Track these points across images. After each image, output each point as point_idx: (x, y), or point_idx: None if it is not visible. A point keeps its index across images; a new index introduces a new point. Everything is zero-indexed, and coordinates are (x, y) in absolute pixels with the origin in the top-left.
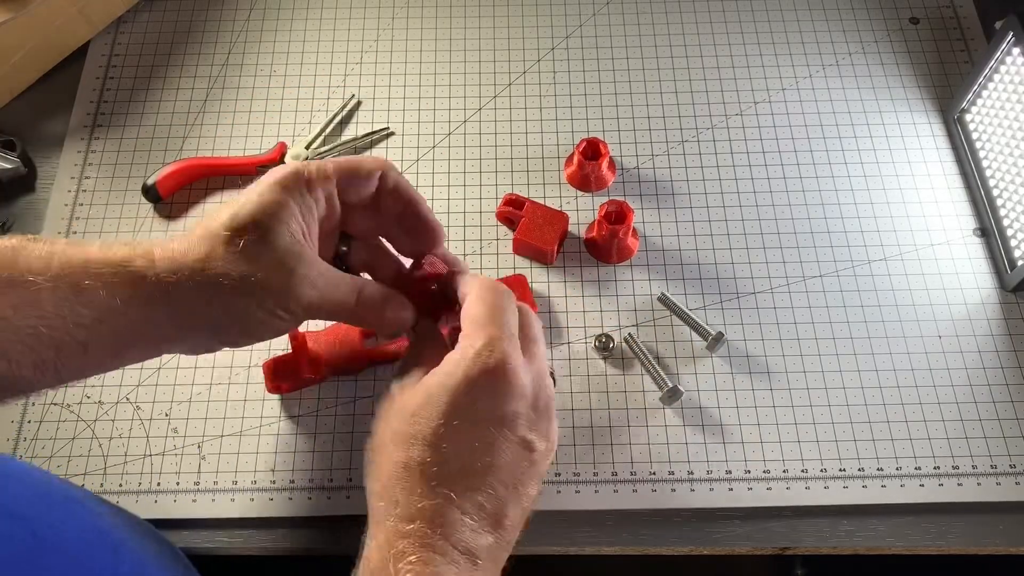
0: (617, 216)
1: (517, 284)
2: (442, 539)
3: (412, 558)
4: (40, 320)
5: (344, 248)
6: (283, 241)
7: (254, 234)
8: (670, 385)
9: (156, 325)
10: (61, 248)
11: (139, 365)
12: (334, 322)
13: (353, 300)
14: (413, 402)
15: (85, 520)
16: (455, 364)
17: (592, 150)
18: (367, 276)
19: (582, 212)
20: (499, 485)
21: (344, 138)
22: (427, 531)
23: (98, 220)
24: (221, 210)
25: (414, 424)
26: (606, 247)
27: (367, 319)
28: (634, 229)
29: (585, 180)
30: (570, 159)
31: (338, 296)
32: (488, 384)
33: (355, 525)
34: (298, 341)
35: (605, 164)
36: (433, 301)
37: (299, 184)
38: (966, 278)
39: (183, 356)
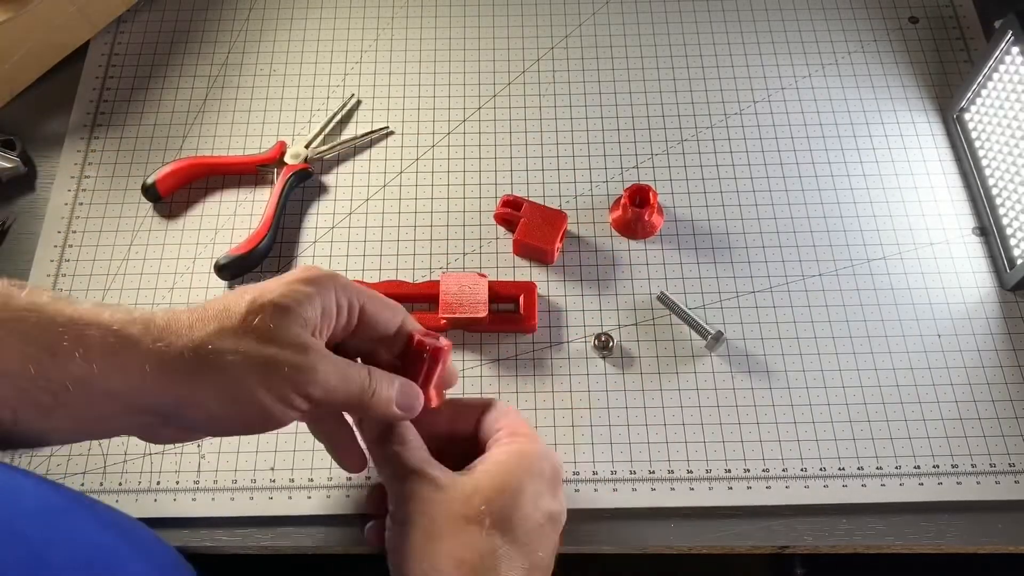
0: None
1: (526, 290)
2: None
3: None
4: (6, 380)
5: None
6: (297, 328)
7: (271, 315)
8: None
9: (141, 400)
10: (46, 299)
11: None
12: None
13: (364, 380)
14: (472, 487)
15: (86, 535)
16: (516, 454)
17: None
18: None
19: (582, 212)
20: (542, 553)
21: (344, 137)
22: None
23: (98, 219)
24: (245, 290)
25: (480, 506)
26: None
27: (376, 402)
28: (659, 206)
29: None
30: None
31: (349, 380)
32: (535, 474)
33: (355, 523)
34: None
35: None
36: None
37: (328, 284)
38: (965, 277)
39: None
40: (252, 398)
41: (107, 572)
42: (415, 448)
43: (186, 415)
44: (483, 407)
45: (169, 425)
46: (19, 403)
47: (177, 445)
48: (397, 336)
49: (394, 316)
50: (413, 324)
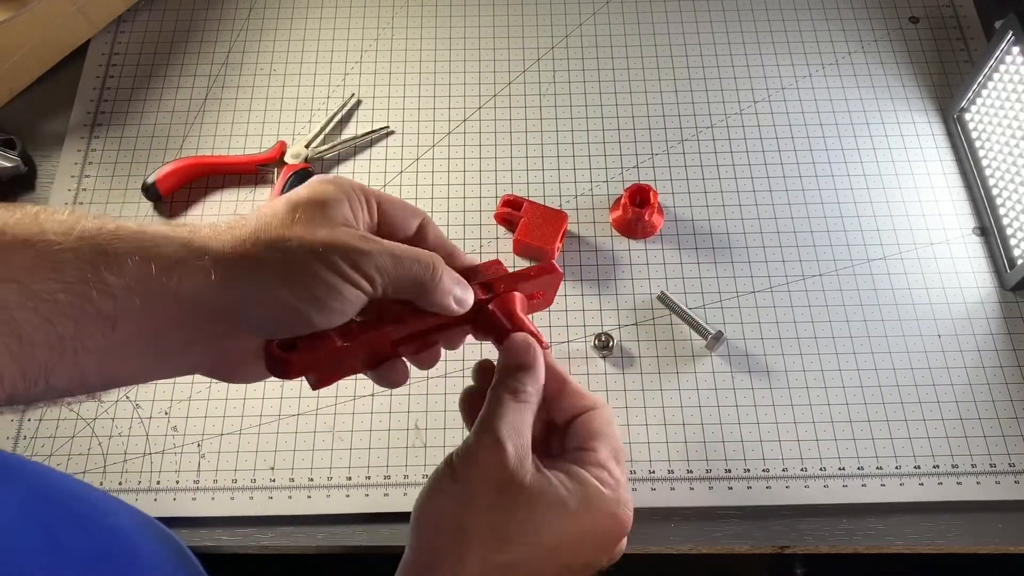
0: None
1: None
2: None
3: None
4: (60, 284)
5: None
6: (340, 216)
7: (311, 208)
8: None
9: (204, 298)
10: (88, 217)
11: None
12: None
13: (431, 261)
14: (522, 510)
15: (101, 524)
16: (592, 498)
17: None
18: None
19: (582, 211)
20: None
21: (344, 137)
22: None
23: None
24: (274, 199)
25: (513, 530)
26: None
27: (442, 285)
28: (659, 206)
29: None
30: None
31: (413, 257)
32: (608, 537)
33: (355, 523)
34: None
35: None
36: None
37: (347, 184)
38: (965, 277)
39: None
40: (317, 279)
41: (121, 558)
42: (524, 407)
43: (255, 311)
44: (583, 407)
45: (238, 331)
46: (81, 312)
47: (177, 445)
48: (421, 241)
49: (412, 216)
50: (435, 229)
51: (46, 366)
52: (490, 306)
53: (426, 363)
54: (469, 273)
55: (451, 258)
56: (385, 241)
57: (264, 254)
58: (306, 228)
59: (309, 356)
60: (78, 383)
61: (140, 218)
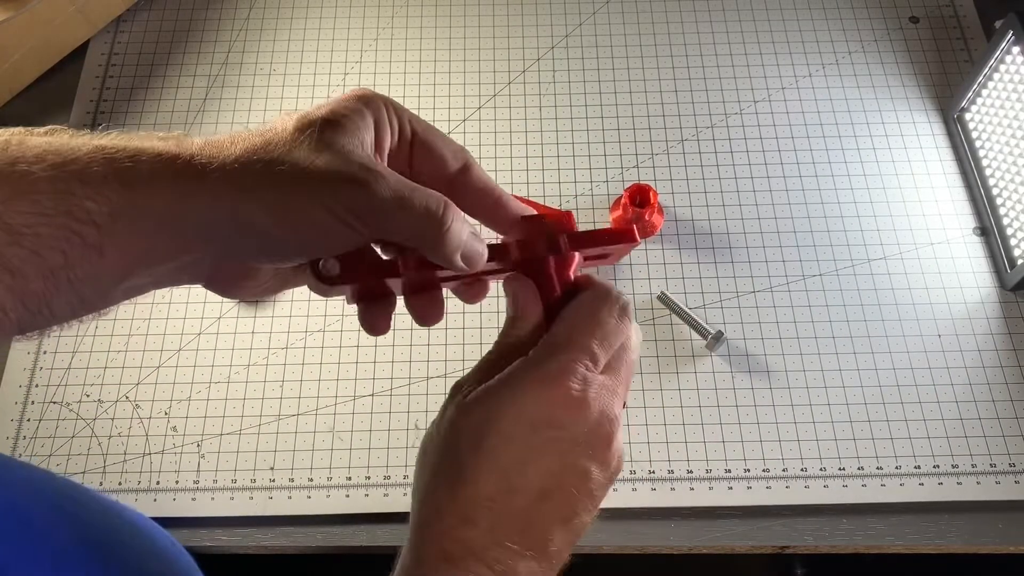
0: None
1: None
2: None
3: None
4: (40, 217)
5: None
6: (354, 143)
7: (321, 129)
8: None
9: (187, 222)
10: (65, 138)
11: (138, 363)
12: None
13: (440, 208)
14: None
15: (77, 526)
16: (525, 373)
17: None
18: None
19: (582, 211)
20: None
21: None
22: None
23: None
24: (293, 111)
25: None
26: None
27: (449, 239)
28: (659, 206)
29: None
30: None
31: (419, 202)
32: (556, 406)
33: (355, 523)
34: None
35: None
36: None
37: (379, 102)
38: (966, 277)
39: (183, 353)
40: (304, 214)
41: (97, 565)
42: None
43: (239, 238)
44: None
45: (228, 255)
46: (67, 243)
47: (177, 445)
48: (463, 184)
49: (454, 153)
50: (480, 171)
51: (44, 296)
52: (551, 260)
53: (473, 297)
54: (522, 224)
55: (498, 206)
56: (393, 178)
57: (252, 180)
58: (309, 153)
59: (350, 281)
60: (79, 307)
61: None
